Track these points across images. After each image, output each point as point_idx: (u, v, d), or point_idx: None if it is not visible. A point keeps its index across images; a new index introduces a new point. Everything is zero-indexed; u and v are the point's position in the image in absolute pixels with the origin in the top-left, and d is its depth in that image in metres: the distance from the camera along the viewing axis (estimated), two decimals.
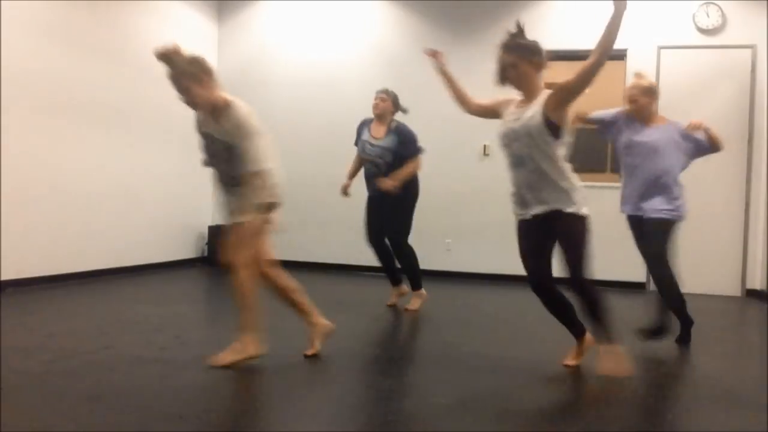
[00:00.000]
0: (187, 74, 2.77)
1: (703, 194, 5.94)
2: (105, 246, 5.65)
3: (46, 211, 5.02)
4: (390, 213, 4.42)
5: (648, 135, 3.57)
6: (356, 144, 4.58)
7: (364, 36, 6.76)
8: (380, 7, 6.71)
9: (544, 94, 2.73)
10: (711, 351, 3.53)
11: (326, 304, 4.60)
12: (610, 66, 6.99)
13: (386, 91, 4.53)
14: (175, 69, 2.76)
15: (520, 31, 2.81)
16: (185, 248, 6.80)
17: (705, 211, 5.93)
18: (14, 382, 2.50)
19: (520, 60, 2.75)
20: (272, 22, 7.03)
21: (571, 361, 2.96)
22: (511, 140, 2.80)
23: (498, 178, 6.32)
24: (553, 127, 2.69)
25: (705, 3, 5.92)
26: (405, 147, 4.34)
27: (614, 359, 2.73)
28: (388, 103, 4.47)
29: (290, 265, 7.28)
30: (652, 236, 3.53)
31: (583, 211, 2.80)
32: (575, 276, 2.79)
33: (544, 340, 3.49)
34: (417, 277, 4.48)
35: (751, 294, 5.80)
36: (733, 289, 5.88)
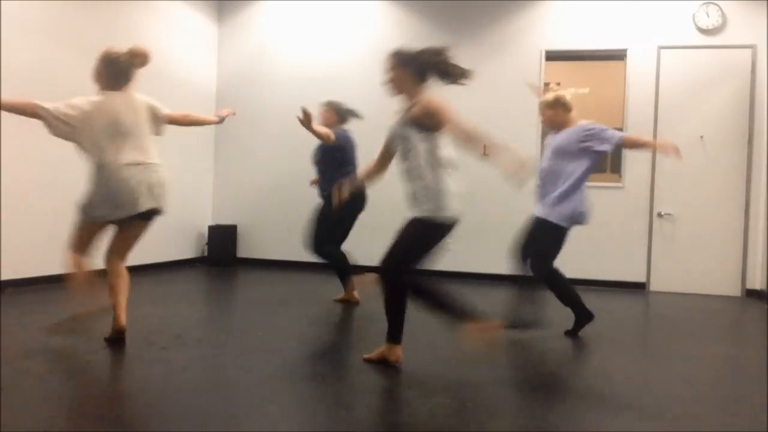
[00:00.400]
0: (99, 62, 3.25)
1: (704, 194, 5.95)
2: (105, 246, 5.64)
3: (46, 211, 5.02)
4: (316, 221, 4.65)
5: (554, 139, 3.74)
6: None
7: (364, 36, 6.77)
8: (380, 7, 6.72)
9: (420, 103, 2.86)
10: (711, 351, 3.54)
11: (323, 304, 4.62)
12: (610, 66, 7.02)
13: (327, 103, 4.76)
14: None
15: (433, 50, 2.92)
16: (185, 248, 6.80)
17: (705, 211, 5.94)
18: (14, 382, 2.50)
19: (394, 67, 2.95)
20: (272, 22, 7.03)
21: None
22: (391, 140, 3.04)
23: (497, 178, 6.33)
24: (417, 124, 2.84)
25: (705, 3, 5.92)
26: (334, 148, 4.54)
27: (478, 332, 2.81)
28: (331, 114, 4.70)
29: (291, 266, 7.24)
30: (535, 235, 3.67)
31: (426, 215, 2.84)
32: (387, 269, 2.85)
33: (544, 340, 3.49)
34: (342, 274, 4.65)
35: (751, 294, 5.80)
36: (733, 289, 5.89)
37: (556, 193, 3.58)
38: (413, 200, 2.90)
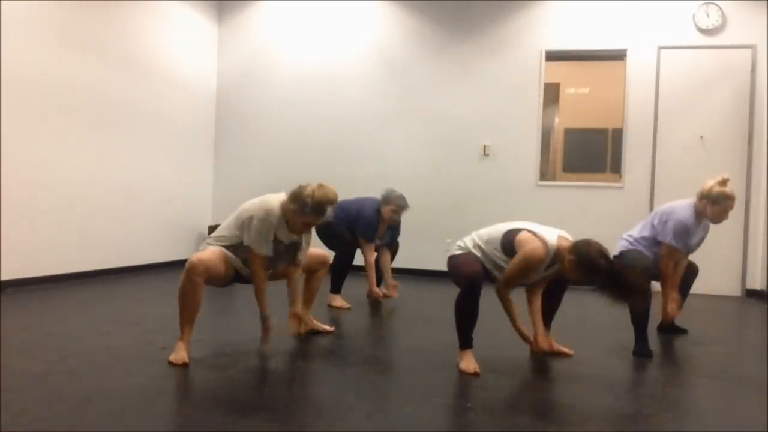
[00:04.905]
0: None
1: None
2: (105, 246, 5.65)
3: (46, 211, 5.02)
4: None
5: None
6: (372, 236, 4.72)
7: (364, 36, 6.77)
8: (380, 7, 6.72)
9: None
10: (711, 351, 3.54)
11: (320, 305, 4.62)
12: (610, 66, 7.01)
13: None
14: None
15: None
16: (185, 248, 6.80)
17: None
18: (14, 382, 2.50)
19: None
20: (272, 22, 7.04)
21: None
22: None
23: (498, 178, 6.33)
24: None
25: (705, 3, 5.92)
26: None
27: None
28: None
29: None
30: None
31: None
32: None
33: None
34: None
35: (751, 294, 5.80)
36: (733, 289, 5.89)
37: None
38: None
